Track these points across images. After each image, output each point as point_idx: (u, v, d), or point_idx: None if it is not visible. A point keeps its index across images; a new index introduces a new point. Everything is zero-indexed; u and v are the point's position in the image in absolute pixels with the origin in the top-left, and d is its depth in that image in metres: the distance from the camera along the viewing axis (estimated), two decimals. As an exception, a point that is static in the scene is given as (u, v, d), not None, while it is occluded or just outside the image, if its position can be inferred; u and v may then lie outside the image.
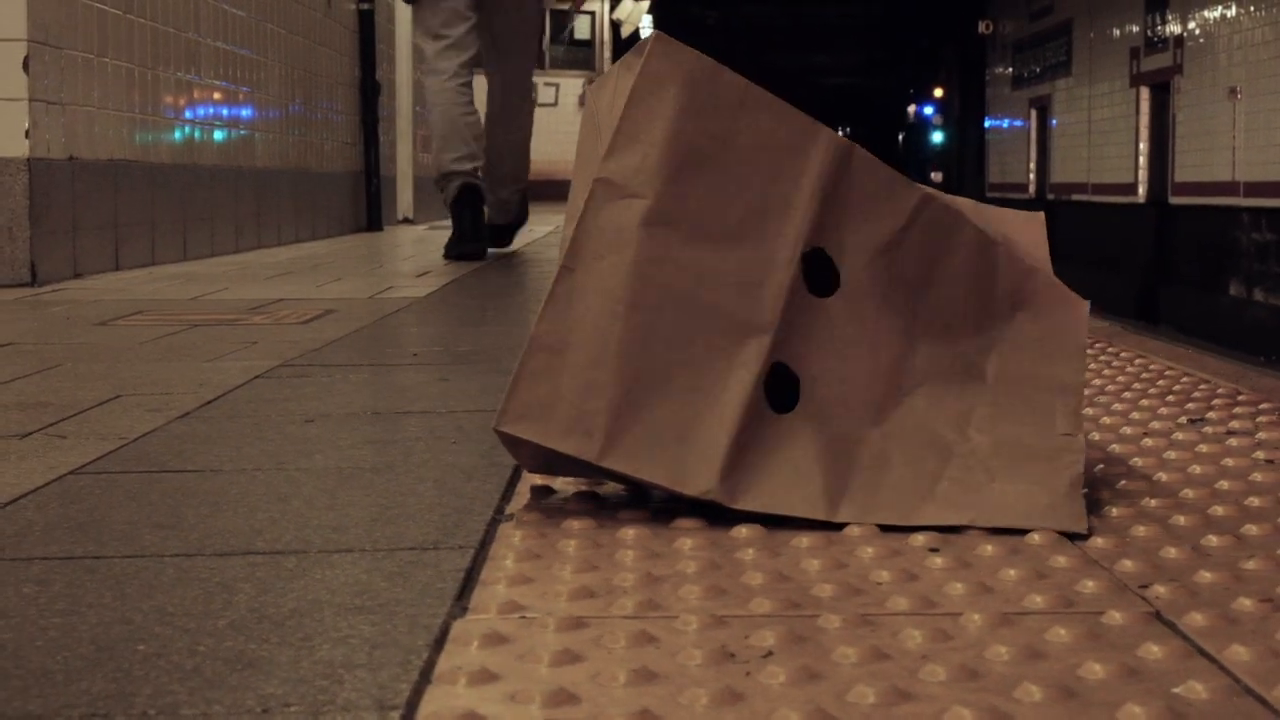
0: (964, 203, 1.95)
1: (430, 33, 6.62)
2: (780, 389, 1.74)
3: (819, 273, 1.77)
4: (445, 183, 6.63)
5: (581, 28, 21.17)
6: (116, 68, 5.91)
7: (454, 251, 6.64)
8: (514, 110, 6.99)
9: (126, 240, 6.00)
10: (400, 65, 11.55)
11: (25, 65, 5.07)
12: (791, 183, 1.76)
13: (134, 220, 6.08)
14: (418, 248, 8.07)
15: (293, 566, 1.52)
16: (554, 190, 15.58)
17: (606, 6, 21.61)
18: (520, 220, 7.39)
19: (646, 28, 23.16)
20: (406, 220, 11.54)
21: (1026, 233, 1.99)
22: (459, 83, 6.57)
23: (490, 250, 6.92)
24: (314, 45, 9.08)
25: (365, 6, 10.21)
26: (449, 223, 6.88)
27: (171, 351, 3.35)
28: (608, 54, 21.61)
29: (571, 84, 20.07)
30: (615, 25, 22.42)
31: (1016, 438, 1.75)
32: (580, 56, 21.34)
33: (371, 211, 10.32)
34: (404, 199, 11.61)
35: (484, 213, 6.78)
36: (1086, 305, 1.88)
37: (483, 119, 6.83)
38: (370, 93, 10.27)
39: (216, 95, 7.22)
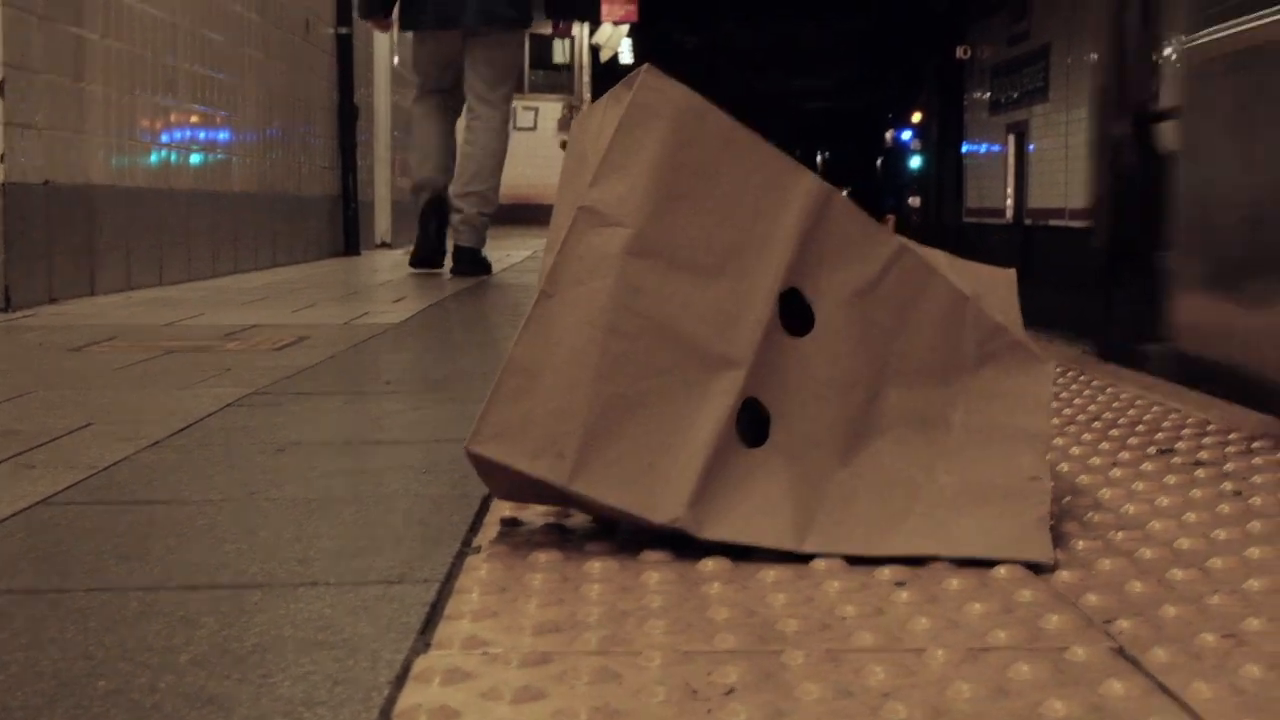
0: (938, 255, 1.95)
1: (420, 71, 7.50)
2: (751, 425, 1.74)
3: (794, 313, 1.78)
4: (418, 192, 7.52)
5: (560, 52, 21.21)
6: (93, 92, 5.91)
7: (415, 260, 7.50)
8: (479, 128, 7.42)
9: (102, 265, 5.99)
10: (378, 89, 11.55)
11: (0, 90, 5.06)
12: (772, 222, 1.77)
13: (110, 245, 6.07)
14: (395, 273, 8.06)
15: (257, 600, 1.51)
16: (532, 214, 15.62)
17: (585, 31, 21.66)
18: (485, 267, 7.58)
19: (626, 52, 23.22)
20: (384, 244, 11.53)
21: (998, 289, 1.99)
22: (438, 110, 7.48)
23: (459, 274, 7.39)
24: (292, 69, 9.08)
25: (344, 31, 10.21)
26: None
27: (144, 379, 3.34)
28: (586, 78, 21.66)
29: (550, 108, 20.12)
30: (594, 50, 22.48)
31: (983, 479, 1.75)
32: (559, 81, 21.38)
33: (349, 236, 10.32)
34: (382, 223, 11.61)
35: (447, 224, 7.46)
36: (1052, 365, 1.90)
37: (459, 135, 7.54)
38: (348, 117, 10.28)
39: (193, 119, 7.21)
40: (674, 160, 1.74)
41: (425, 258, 7.48)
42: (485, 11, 7.19)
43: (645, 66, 1.77)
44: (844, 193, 1.83)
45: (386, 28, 8.01)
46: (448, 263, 7.50)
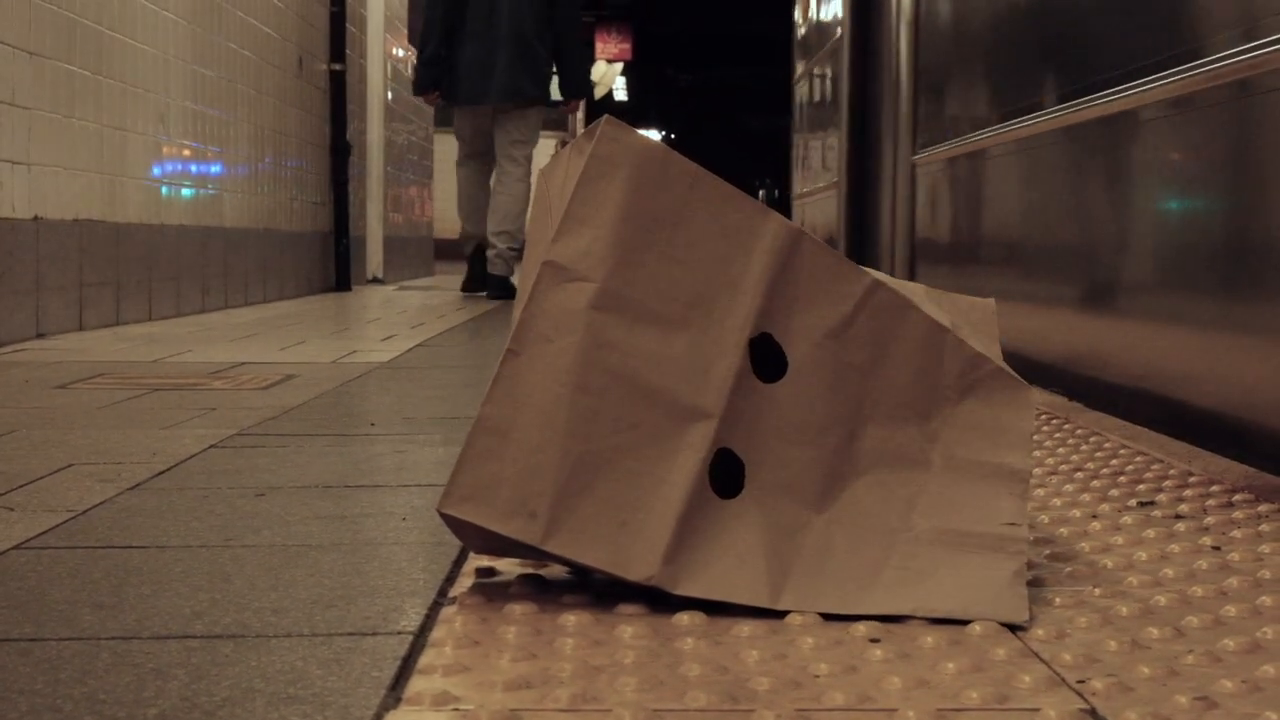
0: (915, 288, 1.96)
1: (461, 138, 9.51)
2: (725, 474, 1.74)
3: (766, 358, 1.78)
4: (464, 240, 9.66)
5: (555, 89, 21.24)
6: (84, 127, 5.92)
7: (465, 287, 9.76)
8: (506, 179, 9.33)
9: (91, 300, 5.99)
10: (372, 125, 11.57)
11: (-9, 125, 5.07)
12: (740, 268, 1.76)
13: (99, 280, 6.07)
14: (385, 309, 8.07)
15: (229, 652, 1.51)
16: (525, 250, 15.77)
17: (580, 68, 21.66)
18: (513, 290, 9.04)
19: (620, 90, 23.29)
20: (375, 280, 11.53)
21: (977, 318, 2.00)
22: (477, 173, 9.54)
23: (493, 298, 9.26)
24: (285, 105, 9.10)
25: (337, 67, 10.24)
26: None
27: (128, 418, 3.34)
28: (581, 114, 21.70)
29: (545, 143, 20.15)
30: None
31: (961, 526, 1.75)
32: (553, 117, 21.41)
33: (340, 271, 10.32)
34: (374, 259, 11.62)
35: (486, 262, 9.43)
36: (1034, 393, 1.89)
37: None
38: (341, 153, 10.29)
39: (185, 154, 7.22)
40: (637, 211, 1.73)
41: (474, 287, 9.66)
42: (506, 90, 9.10)
43: (605, 117, 1.76)
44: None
45: (434, 103, 9.57)
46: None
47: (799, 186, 10.16)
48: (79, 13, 5.87)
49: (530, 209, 8.28)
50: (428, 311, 7.80)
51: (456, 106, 9.31)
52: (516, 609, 1.65)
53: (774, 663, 1.48)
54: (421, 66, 9.27)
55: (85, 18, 5.93)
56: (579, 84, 9.66)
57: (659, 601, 1.67)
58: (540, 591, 1.75)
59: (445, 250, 16.55)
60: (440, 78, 9.17)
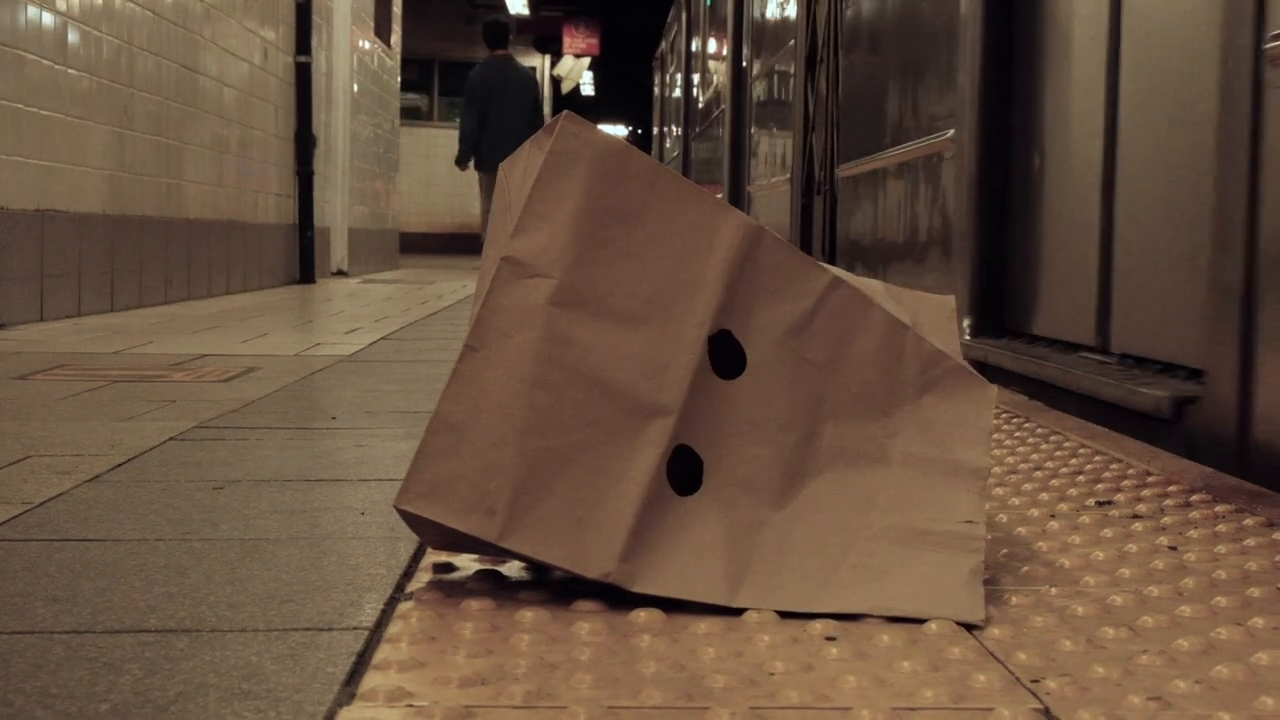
0: (875, 285, 1.96)
1: (484, 190, 12.53)
2: (684, 471, 1.74)
3: (725, 354, 1.77)
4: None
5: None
6: (46, 118, 5.88)
7: None
8: None
9: (52, 291, 5.95)
10: (337, 117, 11.54)
11: (-48, 114, 5.03)
12: (700, 264, 1.76)
13: (60, 271, 6.04)
14: (349, 302, 8.04)
15: (183, 647, 1.50)
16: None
17: (547, 63, 21.69)
18: None
19: (587, 85, 23.25)
20: (340, 273, 11.50)
21: (936, 316, 2.00)
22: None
23: None
24: (249, 97, 9.06)
25: (303, 59, 10.20)
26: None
27: (88, 410, 3.32)
28: (548, 110, 21.68)
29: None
30: (555, 81, 22.50)
31: (919, 524, 1.75)
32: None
33: (304, 264, 10.29)
34: (338, 251, 11.58)
35: None
36: (994, 389, 1.89)
37: None
38: (306, 145, 10.26)
39: (147, 146, 7.18)
40: (596, 206, 1.73)
41: None
42: None
43: (565, 112, 1.76)
44: None
45: (465, 169, 12.79)
46: None
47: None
48: (41, 2, 5.83)
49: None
50: (392, 304, 7.78)
51: (484, 174, 12.53)
52: (473, 605, 1.65)
53: (730, 660, 1.48)
54: (464, 148, 12.68)
55: (48, 8, 5.89)
56: None
57: (617, 598, 1.66)
58: (498, 588, 1.74)
59: (410, 243, 16.55)
60: (473, 156, 12.65)
